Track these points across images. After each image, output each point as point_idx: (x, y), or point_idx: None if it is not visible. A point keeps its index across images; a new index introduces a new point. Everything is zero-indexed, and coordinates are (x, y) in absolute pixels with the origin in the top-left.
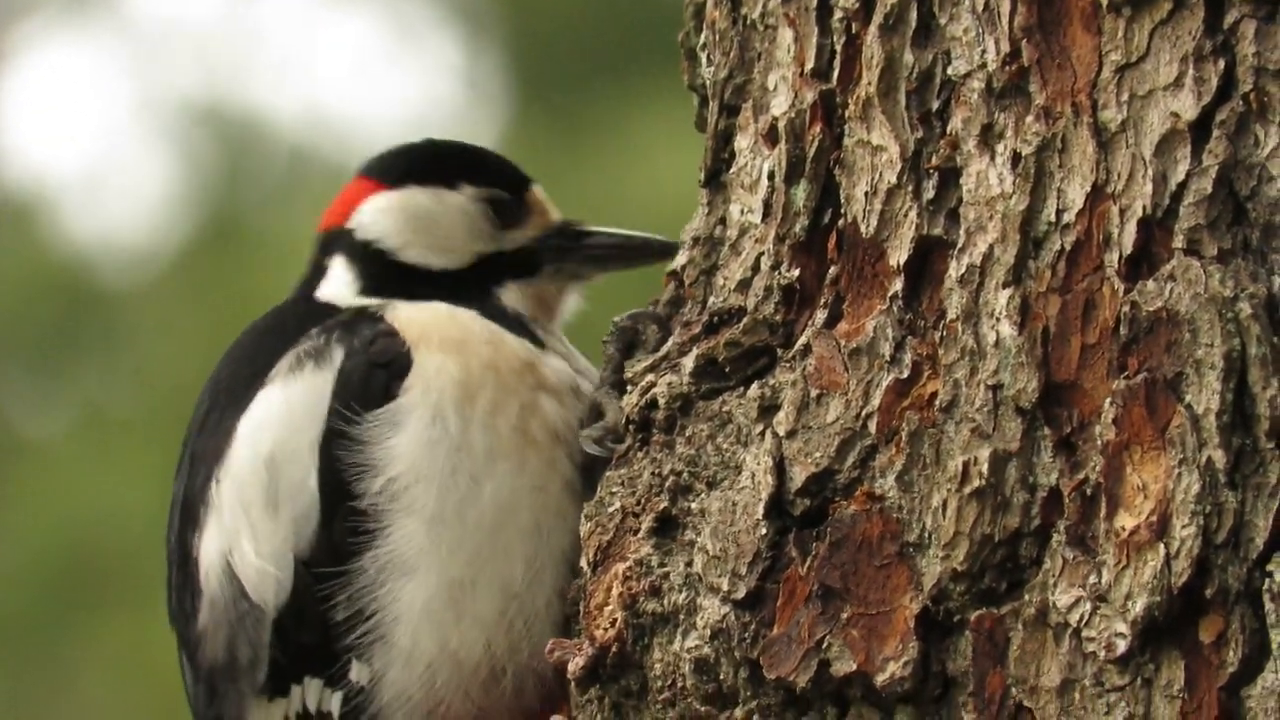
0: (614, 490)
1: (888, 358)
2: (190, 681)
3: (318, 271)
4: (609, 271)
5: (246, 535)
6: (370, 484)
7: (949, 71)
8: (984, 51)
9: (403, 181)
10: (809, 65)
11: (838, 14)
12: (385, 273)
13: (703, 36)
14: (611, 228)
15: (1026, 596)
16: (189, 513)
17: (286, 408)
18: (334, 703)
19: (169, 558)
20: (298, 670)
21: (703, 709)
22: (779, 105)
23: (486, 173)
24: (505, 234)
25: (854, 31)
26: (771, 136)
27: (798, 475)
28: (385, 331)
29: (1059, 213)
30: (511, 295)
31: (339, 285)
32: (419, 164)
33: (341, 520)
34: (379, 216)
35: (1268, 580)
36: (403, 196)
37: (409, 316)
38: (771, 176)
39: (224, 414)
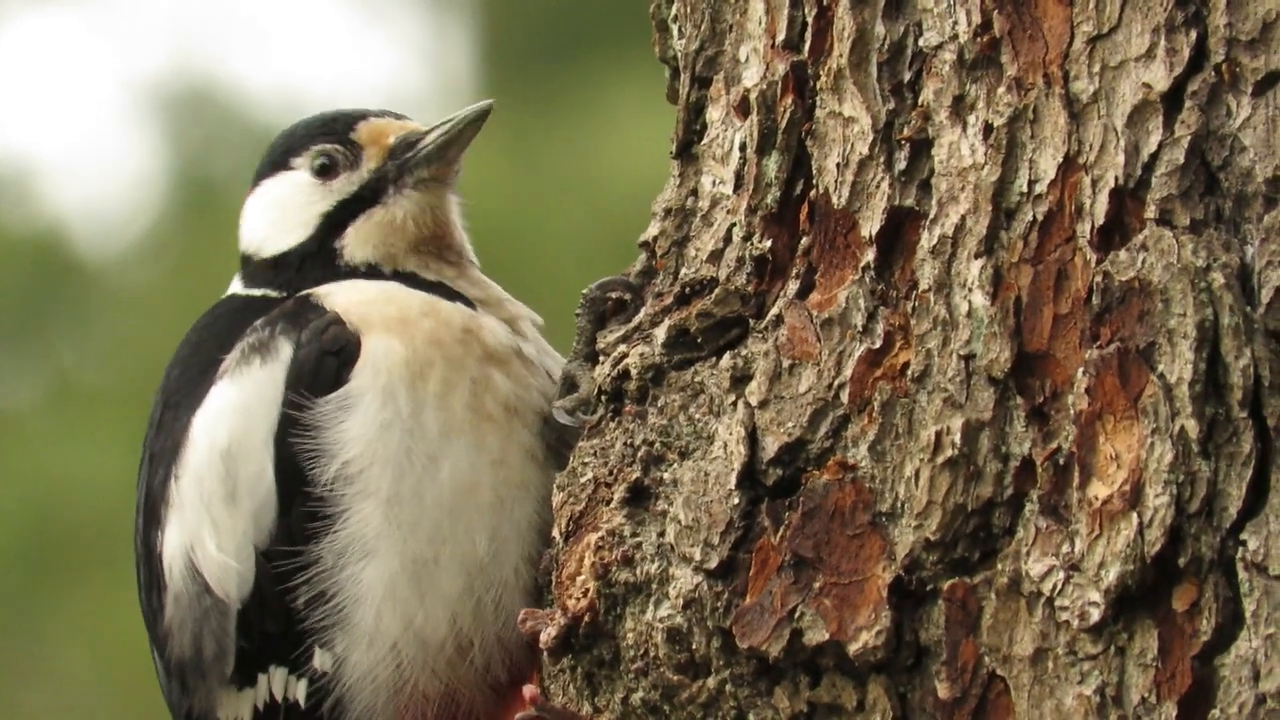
0: (586, 460)
1: (860, 328)
2: (163, 676)
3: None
4: (449, 158)
5: (208, 530)
6: (325, 469)
7: (920, 43)
8: (955, 23)
9: (255, 183)
10: (780, 37)
11: None
12: (258, 271)
13: (674, 8)
14: (435, 124)
15: (999, 566)
16: (151, 512)
17: (240, 402)
18: (299, 691)
19: (136, 559)
20: (263, 660)
21: (675, 678)
22: (751, 77)
23: (307, 135)
24: (340, 182)
25: (825, 3)
26: (743, 108)
27: (770, 445)
28: (333, 320)
29: (1031, 183)
30: (355, 238)
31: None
32: (263, 159)
33: (299, 507)
34: (246, 226)
35: (1241, 549)
36: (254, 196)
37: (348, 301)
38: (743, 148)
39: (178, 412)
